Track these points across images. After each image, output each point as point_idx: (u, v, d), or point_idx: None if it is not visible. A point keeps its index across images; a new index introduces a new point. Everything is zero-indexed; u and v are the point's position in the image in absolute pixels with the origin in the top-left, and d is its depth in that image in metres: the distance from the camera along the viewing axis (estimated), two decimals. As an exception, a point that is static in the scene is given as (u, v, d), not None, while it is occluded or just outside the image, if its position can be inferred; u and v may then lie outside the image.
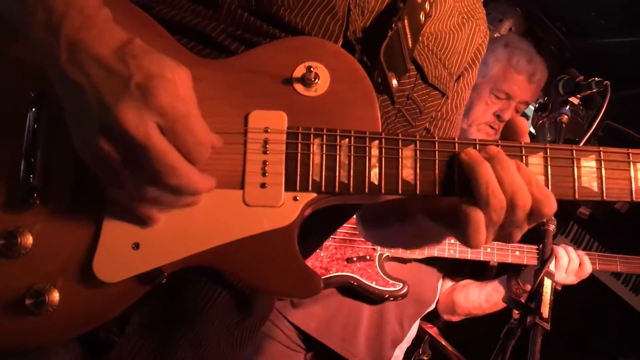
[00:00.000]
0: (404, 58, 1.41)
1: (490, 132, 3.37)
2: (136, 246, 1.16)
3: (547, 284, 2.28)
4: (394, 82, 1.38)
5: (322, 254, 3.18)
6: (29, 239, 1.16)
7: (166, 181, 1.06)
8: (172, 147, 1.05)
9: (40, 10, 1.07)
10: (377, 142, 1.20)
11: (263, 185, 1.18)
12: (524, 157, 1.21)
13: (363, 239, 3.16)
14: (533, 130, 3.50)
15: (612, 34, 4.88)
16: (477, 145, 1.21)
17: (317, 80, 1.22)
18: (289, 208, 1.18)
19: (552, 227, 2.49)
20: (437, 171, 1.20)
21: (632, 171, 1.22)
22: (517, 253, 3.33)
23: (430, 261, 3.38)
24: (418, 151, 1.20)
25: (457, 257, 3.26)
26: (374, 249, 3.19)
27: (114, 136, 1.03)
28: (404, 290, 3.15)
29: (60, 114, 1.11)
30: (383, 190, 1.19)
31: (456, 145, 1.21)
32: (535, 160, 1.21)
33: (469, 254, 3.27)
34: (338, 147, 1.20)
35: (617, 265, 3.48)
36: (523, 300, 2.30)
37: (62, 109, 1.10)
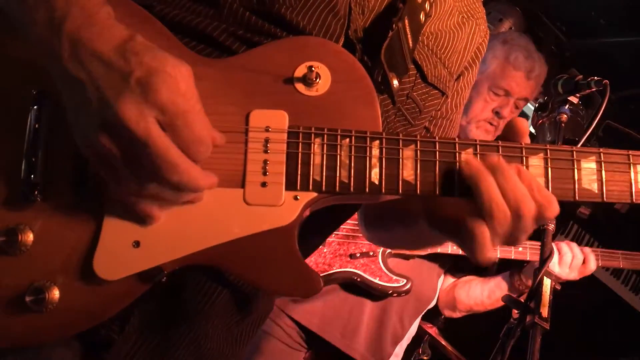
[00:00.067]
0: (404, 58, 1.41)
1: (490, 129, 3.37)
2: (137, 244, 1.16)
3: (547, 283, 2.29)
4: (395, 82, 1.38)
5: (325, 250, 3.18)
6: (30, 236, 1.16)
7: (166, 177, 1.06)
8: (173, 144, 1.04)
9: (42, 9, 1.07)
10: (377, 142, 1.20)
11: (264, 184, 1.18)
12: (524, 158, 1.21)
13: (366, 235, 3.16)
14: (533, 130, 3.50)
15: (612, 33, 4.88)
16: (478, 147, 1.21)
17: (318, 80, 1.22)
18: (289, 207, 1.18)
19: (551, 226, 2.49)
20: (437, 172, 1.20)
21: (633, 173, 1.22)
22: (520, 249, 3.34)
23: (432, 257, 3.38)
24: (419, 151, 1.21)
25: (460, 253, 3.26)
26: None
27: (115, 132, 1.03)
28: (408, 286, 3.15)
29: (61, 112, 1.11)
30: (383, 190, 1.19)
31: (457, 145, 1.21)
32: (536, 162, 1.21)
33: None
34: (339, 146, 1.20)
35: (619, 261, 3.48)
36: (525, 296, 2.31)
37: (63, 107, 1.10)
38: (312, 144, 1.20)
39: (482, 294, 3.48)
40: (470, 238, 1.15)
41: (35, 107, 1.18)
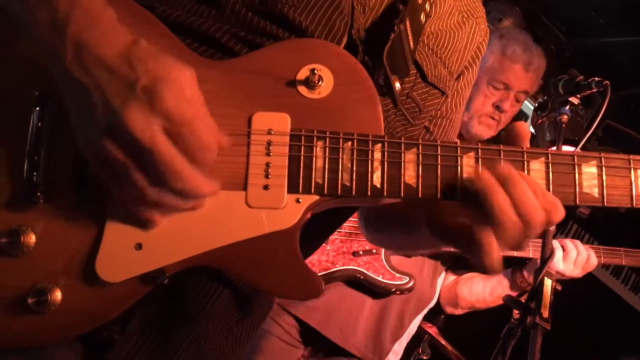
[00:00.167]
0: (405, 60, 1.41)
1: (492, 124, 3.37)
2: (139, 246, 1.16)
3: (547, 284, 2.29)
4: (397, 85, 1.38)
5: (328, 248, 3.18)
6: (32, 238, 1.16)
7: (170, 185, 1.06)
8: (177, 151, 1.05)
9: (43, 9, 1.06)
10: (379, 145, 1.21)
11: (266, 187, 1.18)
12: (525, 162, 1.21)
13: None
14: (532, 130, 3.51)
15: (612, 33, 4.88)
16: (479, 151, 1.21)
17: (320, 82, 1.22)
18: (291, 210, 1.19)
19: (552, 227, 2.50)
20: (439, 175, 1.20)
21: (633, 177, 1.22)
22: None
23: (434, 255, 3.39)
24: (420, 155, 1.21)
25: None
26: None
27: (119, 138, 1.03)
28: (410, 284, 3.15)
29: (64, 113, 1.11)
30: (385, 193, 1.19)
31: (458, 149, 1.21)
32: (537, 166, 1.21)
33: None
34: (341, 149, 1.20)
35: (621, 258, 3.50)
36: (526, 296, 2.32)
37: (66, 108, 1.10)
38: (315, 147, 1.20)
39: (484, 290, 3.49)
40: (478, 247, 1.15)
41: (38, 107, 1.18)
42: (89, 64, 1.04)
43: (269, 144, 1.19)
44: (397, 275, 3.16)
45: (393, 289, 3.15)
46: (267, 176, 1.18)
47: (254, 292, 1.44)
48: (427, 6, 1.48)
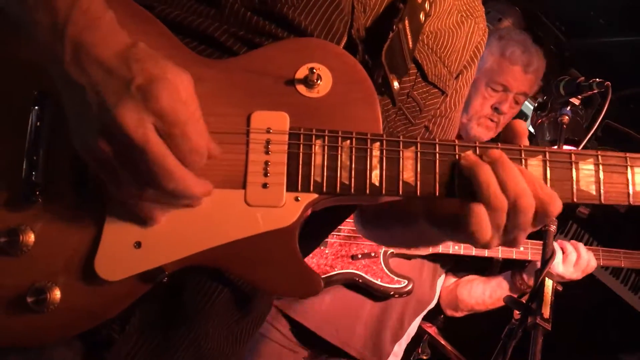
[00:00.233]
0: (404, 59, 1.41)
1: (491, 125, 3.35)
2: (138, 245, 1.16)
3: (548, 284, 2.29)
4: (396, 84, 1.39)
5: (326, 251, 3.18)
6: (31, 237, 1.16)
7: (162, 184, 1.06)
8: (169, 151, 1.05)
9: (43, 11, 1.06)
10: (378, 143, 1.21)
11: (265, 186, 1.19)
12: (523, 160, 1.21)
13: (368, 236, 3.16)
14: (532, 130, 3.50)
15: (612, 33, 4.88)
16: (477, 149, 1.21)
17: (319, 81, 1.23)
18: (290, 208, 1.19)
19: (552, 227, 2.50)
20: (437, 173, 1.20)
21: (630, 175, 1.22)
22: (522, 249, 3.35)
23: (433, 258, 3.38)
24: (419, 153, 1.21)
25: (461, 253, 3.27)
26: (378, 245, 3.18)
27: (113, 137, 1.03)
28: (409, 287, 3.15)
29: (62, 113, 1.11)
30: (384, 192, 1.20)
31: (456, 147, 1.21)
32: (535, 163, 1.21)
33: (473, 250, 3.27)
34: (339, 148, 1.20)
35: (620, 260, 3.49)
36: (527, 296, 2.31)
37: (64, 109, 1.10)
38: (313, 146, 1.20)
39: (483, 293, 3.48)
40: (468, 217, 1.14)
41: (36, 106, 1.18)
42: (86, 64, 1.04)
43: (267, 142, 1.20)
44: (396, 278, 3.15)
45: (392, 292, 3.15)
46: (266, 175, 1.19)
47: (253, 291, 1.44)
48: (427, 5, 1.48)
